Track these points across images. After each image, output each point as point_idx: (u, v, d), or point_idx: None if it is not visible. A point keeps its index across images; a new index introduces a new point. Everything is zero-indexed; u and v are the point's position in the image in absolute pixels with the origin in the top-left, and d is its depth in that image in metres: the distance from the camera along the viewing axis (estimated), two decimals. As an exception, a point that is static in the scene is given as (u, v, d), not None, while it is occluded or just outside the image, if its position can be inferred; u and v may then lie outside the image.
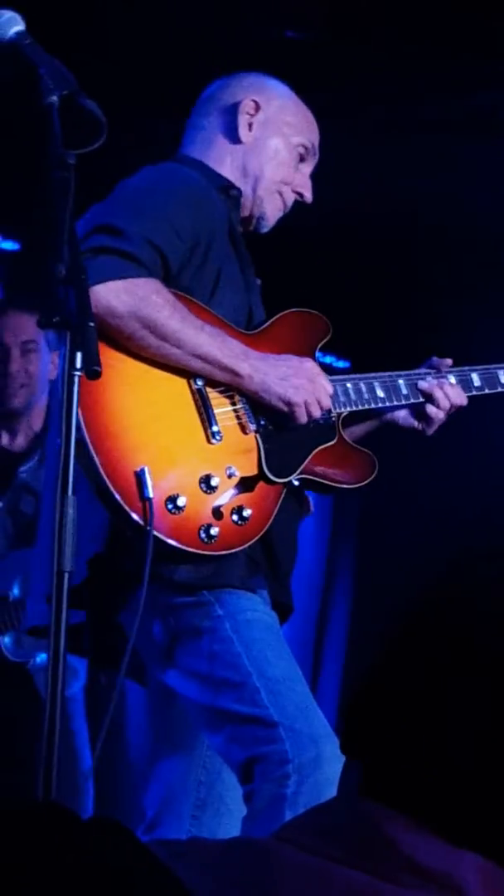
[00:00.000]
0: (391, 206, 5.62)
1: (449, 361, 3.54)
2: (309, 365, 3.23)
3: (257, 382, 3.15)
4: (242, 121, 3.36)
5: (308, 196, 3.44)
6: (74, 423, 2.50)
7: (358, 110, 3.38)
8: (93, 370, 2.47)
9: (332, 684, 6.45)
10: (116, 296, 2.97)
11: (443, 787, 1.12)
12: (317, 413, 3.21)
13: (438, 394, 3.45)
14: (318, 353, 3.39)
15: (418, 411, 3.49)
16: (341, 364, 6.31)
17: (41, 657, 4.72)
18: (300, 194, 3.43)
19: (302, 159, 3.41)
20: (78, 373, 2.48)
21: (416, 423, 3.50)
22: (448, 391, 3.46)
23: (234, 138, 3.37)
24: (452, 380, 3.51)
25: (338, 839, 1.13)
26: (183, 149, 3.42)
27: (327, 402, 3.23)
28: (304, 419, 3.19)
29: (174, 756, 3.28)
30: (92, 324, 2.49)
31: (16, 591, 4.77)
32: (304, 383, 3.17)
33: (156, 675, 3.22)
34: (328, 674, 6.53)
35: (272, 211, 3.40)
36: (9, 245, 5.81)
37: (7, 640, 4.81)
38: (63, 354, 2.50)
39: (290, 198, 3.42)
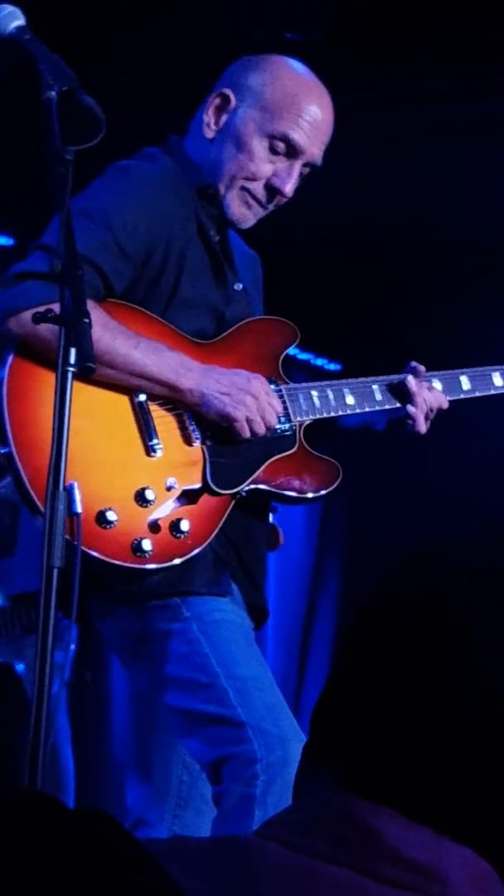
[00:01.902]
0: (386, 209, 5.63)
1: (423, 368, 3.48)
2: (256, 381, 3.15)
3: (197, 397, 3.10)
4: (208, 115, 3.26)
5: (284, 189, 3.24)
6: (67, 420, 2.50)
7: (355, 114, 3.36)
8: (87, 367, 2.47)
9: (318, 688, 6.45)
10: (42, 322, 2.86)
11: (427, 779, 1.12)
12: (260, 430, 3.14)
13: (418, 397, 3.38)
14: (310, 356, 3.37)
15: (396, 418, 3.43)
16: (333, 367, 6.31)
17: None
18: (274, 188, 3.25)
19: (276, 151, 3.23)
20: (72, 369, 2.48)
21: (395, 429, 3.44)
22: (426, 395, 3.40)
23: (203, 133, 3.28)
24: (436, 383, 3.46)
25: (321, 834, 1.13)
26: (185, 136, 3.35)
27: (272, 420, 3.16)
28: (245, 435, 3.13)
29: (156, 755, 3.28)
30: (87, 320, 2.49)
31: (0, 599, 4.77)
32: (246, 399, 3.11)
33: (131, 679, 3.23)
34: (313, 678, 6.53)
35: (236, 207, 3.25)
36: (3, 240, 5.81)
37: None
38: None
39: (262, 193, 3.26)
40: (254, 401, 3.12)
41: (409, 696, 1.14)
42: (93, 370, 2.50)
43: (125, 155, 3.25)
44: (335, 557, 6.76)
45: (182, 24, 3.86)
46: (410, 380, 3.39)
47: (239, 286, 3.33)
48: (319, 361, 6.31)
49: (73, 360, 2.48)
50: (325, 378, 3.39)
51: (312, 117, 3.25)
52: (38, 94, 2.62)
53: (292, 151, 3.24)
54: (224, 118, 3.26)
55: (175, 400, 3.12)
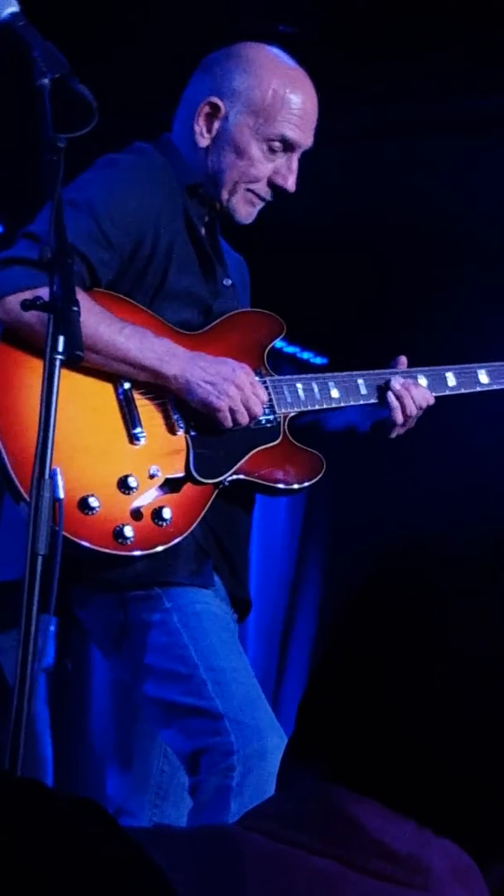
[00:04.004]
0: (374, 204, 5.63)
1: (405, 361, 3.45)
2: (242, 371, 3.15)
3: (182, 384, 3.10)
4: (199, 124, 3.27)
5: (288, 185, 3.30)
6: (55, 409, 2.50)
7: (348, 108, 3.36)
8: (75, 355, 2.47)
9: (298, 681, 6.46)
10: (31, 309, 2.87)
11: (411, 771, 1.13)
12: (244, 420, 3.14)
13: (404, 394, 3.35)
14: (297, 349, 3.37)
15: (379, 420, 3.40)
16: (319, 361, 6.32)
17: None
18: (277, 185, 3.31)
19: (274, 150, 3.28)
20: (60, 357, 2.48)
21: (378, 427, 3.42)
22: (413, 392, 3.37)
23: (195, 141, 3.28)
24: (421, 380, 3.44)
25: (304, 825, 1.14)
26: (172, 131, 3.37)
27: (257, 410, 3.16)
28: (228, 424, 3.13)
29: (136, 744, 3.29)
30: (76, 308, 2.49)
31: None
32: (230, 389, 3.11)
33: (111, 668, 3.24)
34: (294, 670, 6.54)
35: (243, 209, 3.30)
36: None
37: None
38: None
39: (266, 191, 3.31)
40: (238, 391, 3.12)
41: (394, 687, 1.14)
42: (81, 358, 2.50)
43: (117, 142, 3.25)
44: (318, 549, 6.77)
45: (176, 14, 3.85)
46: (396, 379, 3.38)
47: (228, 281, 3.34)
48: (306, 355, 6.31)
49: (60, 347, 2.47)
50: (311, 372, 3.37)
51: (302, 109, 3.29)
52: (30, 81, 2.62)
53: (289, 147, 3.30)
54: (216, 126, 3.28)
55: (159, 387, 3.12)
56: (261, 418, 3.20)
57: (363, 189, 5.52)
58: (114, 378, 3.10)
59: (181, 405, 3.14)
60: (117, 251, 3.10)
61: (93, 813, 0.86)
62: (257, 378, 3.21)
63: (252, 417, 3.16)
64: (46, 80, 2.60)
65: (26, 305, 2.59)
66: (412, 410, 3.37)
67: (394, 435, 3.40)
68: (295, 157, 3.31)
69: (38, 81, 2.60)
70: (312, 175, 3.38)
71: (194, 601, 3.07)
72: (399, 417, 3.36)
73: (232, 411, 3.13)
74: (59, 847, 0.81)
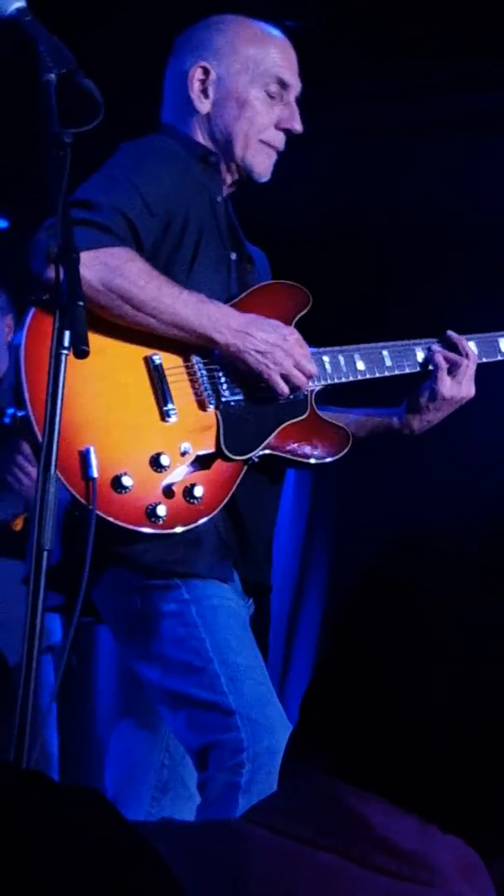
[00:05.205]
0: (375, 199, 5.62)
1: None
2: (293, 339, 3.17)
3: (233, 352, 3.10)
4: (195, 90, 3.27)
5: (296, 127, 3.30)
6: (60, 402, 2.49)
7: (350, 105, 3.36)
8: (81, 349, 2.47)
9: (304, 673, 6.46)
10: (89, 266, 2.92)
11: (415, 767, 1.13)
12: (301, 383, 3.16)
13: (454, 357, 3.35)
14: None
15: (414, 401, 3.37)
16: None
17: None
18: (287, 129, 3.30)
19: (272, 96, 3.29)
20: (66, 351, 2.48)
21: (420, 411, 3.37)
22: (466, 347, 3.37)
23: (194, 108, 3.29)
24: (472, 346, 3.42)
25: (308, 820, 1.14)
26: (163, 116, 3.36)
27: (303, 382, 3.17)
28: (280, 393, 3.14)
29: (139, 737, 3.28)
30: (81, 303, 2.49)
31: None
32: (282, 358, 3.13)
33: (122, 654, 3.22)
34: (299, 662, 6.54)
35: (260, 162, 3.30)
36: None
37: None
38: (53, 333, 2.50)
39: (278, 138, 3.31)
40: (289, 358, 3.14)
41: (396, 683, 1.14)
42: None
43: (123, 137, 3.25)
44: (324, 541, 6.76)
45: (179, 9, 3.85)
46: (437, 345, 3.39)
47: (233, 255, 3.33)
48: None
49: (66, 342, 2.47)
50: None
51: (284, 53, 3.34)
52: (36, 76, 2.62)
53: (285, 89, 3.31)
54: (211, 87, 3.29)
55: (190, 361, 3.12)
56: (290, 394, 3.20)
57: (363, 185, 5.52)
58: (144, 352, 3.10)
59: (215, 378, 3.14)
60: (156, 218, 3.11)
61: (97, 805, 0.86)
62: None
63: (307, 377, 3.17)
64: (53, 75, 2.60)
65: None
66: (467, 365, 3.36)
67: (442, 410, 3.38)
68: (292, 101, 3.32)
69: (45, 76, 2.60)
70: (314, 169, 3.38)
71: (212, 595, 3.06)
72: (446, 381, 3.35)
73: (285, 377, 3.14)
74: (63, 838, 0.81)
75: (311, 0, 4.66)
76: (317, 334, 3.31)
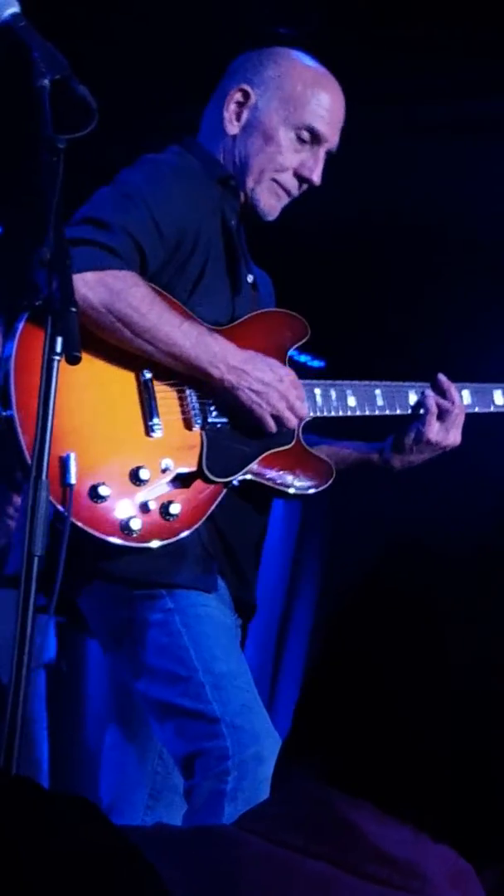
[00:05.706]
0: (374, 206, 5.63)
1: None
2: (289, 381, 3.18)
3: (227, 387, 3.12)
4: (229, 111, 3.29)
5: (314, 178, 3.31)
6: (52, 408, 2.49)
7: (350, 105, 3.36)
8: (73, 355, 2.47)
9: (293, 682, 6.46)
10: (92, 288, 2.95)
11: (408, 775, 1.12)
12: (292, 424, 3.18)
13: (446, 404, 3.36)
14: (294, 352, 3.35)
15: (399, 441, 3.40)
16: (316, 364, 6.31)
17: None
18: (303, 178, 3.31)
19: (302, 141, 3.29)
20: (58, 357, 2.48)
21: (403, 451, 3.41)
22: (454, 396, 3.37)
23: (224, 129, 3.30)
24: (465, 395, 3.44)
25: (300, 828, 1.14)
26: (199, 133, 3.37)
27: (293, 424, 3.19)
28: (273, 429, 3.16)
29: (131, 745, 3.29)
30: (74, 309, 2.49)
31: None
32: (276, 400, 3.14)
33: (111, 664, 3.23)
34: (289, 672, 6.54)
35: (266, 200, 3.31)
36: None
37: None
38: (45, 339, 2.50)
39: (292, 183, 3.31)
40: (282, 399, 3.15)
41: (390, 690, 1.14)
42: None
43: (118, 143, 3.25)
44: (314, 551, 6.77)
45: (177, 15, 3.85)
46: (430, 389, 3.39)
47: (250, 278, 3.34)
48: (303, 358, 6.32)
49: (59, 348, 2.47)
50: (309, 377, 3.36)
51: (332, 107, 3.32)
52: (30, 82, 2.61)
53: (316, 140, 3.30)
54: (246, 113, 3.30)
55: (181, 379, 3.12)
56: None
57: (364, 190, 5.52)
58: (136, 367, 3.11)
59: (204, 400, 3.14)
60: (165, 242, 3.11)
61: (87, 812, 0.86)
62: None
63: (299, 419, 3.18)
64: (46, 81, 2.60)
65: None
66: (455, 413, 3.36)
67: (415, 455, 3.39)
68: (322, 153, 3.31)
69: (38, 82, 2.60)
70: (328, 176, 3.38)
71: (197, 604, 3.07)
72: (434, 425, 3.36)
73: (276, 418, 3.15)
74: (53, 846, 0.81)
75: (310, 0, 4.66)
76: (317, 335, 3.32)
